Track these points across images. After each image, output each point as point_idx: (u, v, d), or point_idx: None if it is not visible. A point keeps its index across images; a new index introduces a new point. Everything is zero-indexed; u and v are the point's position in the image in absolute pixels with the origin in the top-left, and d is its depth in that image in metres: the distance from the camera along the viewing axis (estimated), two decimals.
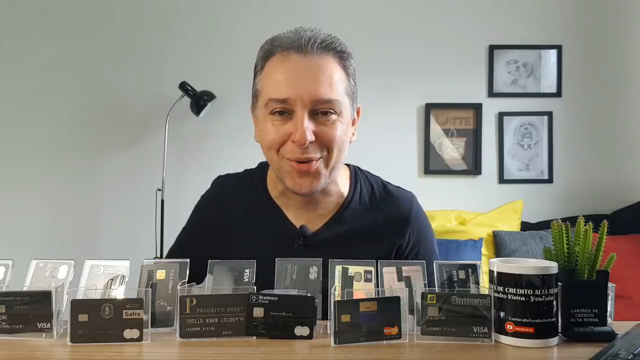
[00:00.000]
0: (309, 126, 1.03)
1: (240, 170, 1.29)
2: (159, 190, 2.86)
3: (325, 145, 1.06)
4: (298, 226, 1.15)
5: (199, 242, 1.21)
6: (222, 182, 1.28)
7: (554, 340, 0.83)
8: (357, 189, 1.20)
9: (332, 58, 1.06)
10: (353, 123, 1.15)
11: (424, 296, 0.84)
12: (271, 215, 1.18)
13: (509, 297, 0.82)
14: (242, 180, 1.25)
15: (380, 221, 1.17)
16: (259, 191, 1.21)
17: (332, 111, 1.06)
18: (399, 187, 1.25)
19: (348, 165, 1.24)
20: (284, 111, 1.05)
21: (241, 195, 1.22)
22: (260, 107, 1.10)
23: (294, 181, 1.08)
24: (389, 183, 1.25)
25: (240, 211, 1.20)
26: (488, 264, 0.88)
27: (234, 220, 1.20)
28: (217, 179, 1.29)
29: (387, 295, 0.86)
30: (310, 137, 1.03)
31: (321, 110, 1.05)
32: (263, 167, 1.25)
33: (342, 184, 1.19)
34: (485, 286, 0.90)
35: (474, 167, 3.03)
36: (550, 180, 3.02)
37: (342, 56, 1.08)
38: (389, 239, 1.17)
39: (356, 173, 1.23)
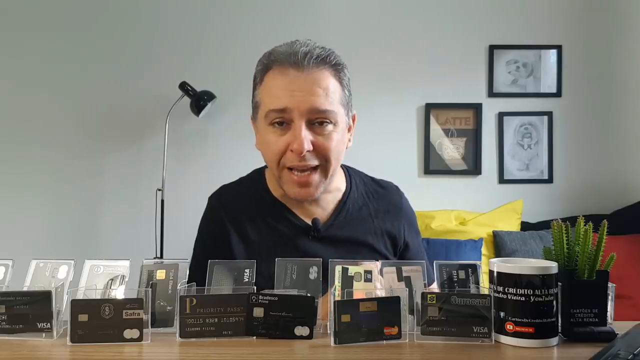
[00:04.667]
0: (307, 136, 1.10)
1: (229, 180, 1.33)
2: (159, 190, 2.85)
3: (323, 155, 1.13)
4: (306, 221, 1.21)
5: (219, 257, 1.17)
6: (220, 195, 1.29)
7: (554, 340, 0.83)
8: (353, 183, 1.29)
9: (327, 71, 1.12)
10: (349, 129, 1.22)
11: (424, 296, 0.84)
12: (280, 214, 1.23)
13: (509, 297, 0.82)
14: (243, 185, 1.30)
15: (377, 210, 1.27)
16: (263, 193, 1.25)
17: (328, 121, 1.12)
18: (381, 179, 1.35)
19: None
20: (283, 122, 1.11)
21: (246, 199, 1.26)
22: (261, 118, 1.16)
23: (293, 191, 1.16)
24: (372, 176, 1.34)
25: (249, 213, 1.23)
26: (488, 264, 0.88)
27: (245, 224, 1.22)
28: (213, 195, 1.29)
29: (387, 295, 0.86)
30: (308, 146, 1.10)
31: (317, 121, 1.11)
32: (259, 171, 1.30)
33: (339, 180, 1.27)
34: (485, 286, 0.90)
35: (474, 167, 3.03)
36: (550, 180, 3.02)
37: (337, 68, 1.14)
38: (388, 225, 1.26)
39: (348, 170, 1.32)
